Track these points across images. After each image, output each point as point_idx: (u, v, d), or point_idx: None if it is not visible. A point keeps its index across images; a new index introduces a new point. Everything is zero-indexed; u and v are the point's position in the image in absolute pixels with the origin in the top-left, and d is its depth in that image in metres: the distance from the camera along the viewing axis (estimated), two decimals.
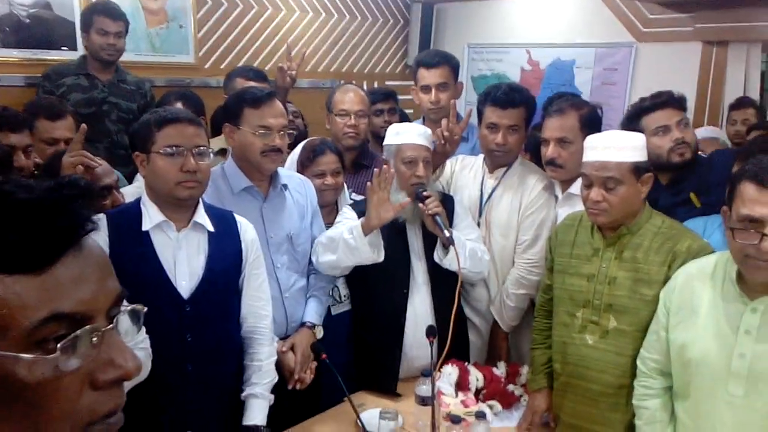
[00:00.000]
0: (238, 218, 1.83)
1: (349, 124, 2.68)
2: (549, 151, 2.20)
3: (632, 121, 2.23)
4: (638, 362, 1.76)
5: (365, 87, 4.95)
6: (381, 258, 2.13)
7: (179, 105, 2.87)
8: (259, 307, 1.84)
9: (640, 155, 1.78)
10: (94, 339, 0.62)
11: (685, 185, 2.21)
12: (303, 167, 2.39)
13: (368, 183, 2.08)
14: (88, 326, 0.62)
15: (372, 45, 4.96)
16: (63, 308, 0.61)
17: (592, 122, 2.14)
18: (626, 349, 1.79)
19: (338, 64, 4.74)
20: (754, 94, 3.57)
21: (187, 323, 1.67)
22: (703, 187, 2.17)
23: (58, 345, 0.60)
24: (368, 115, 2.80)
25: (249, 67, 2.95)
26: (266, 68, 4.13)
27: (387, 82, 5.10)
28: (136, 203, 1.70)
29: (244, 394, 1.81)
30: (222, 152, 2.56)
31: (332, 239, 2.12)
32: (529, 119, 2.38)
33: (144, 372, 1.55)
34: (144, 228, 1.64)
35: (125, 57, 3.49)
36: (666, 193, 2.24)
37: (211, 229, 1.73)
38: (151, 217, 1.66)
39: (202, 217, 1.73)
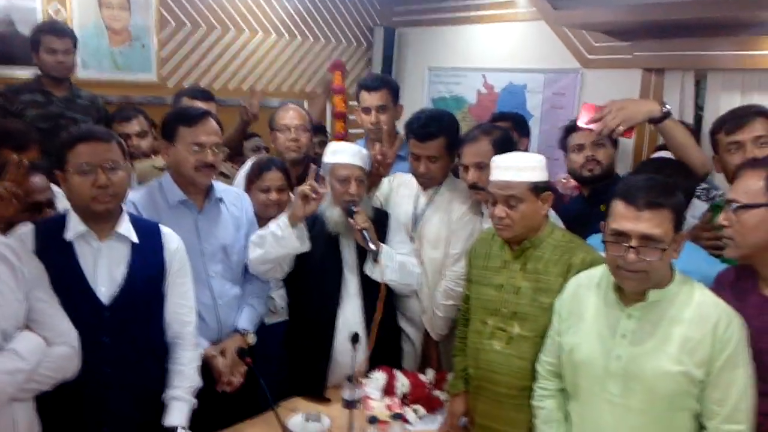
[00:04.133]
0: (164, 229, 1.93)
1: (290, 138, 2.82)
2: (469, 176, 2.33)
3: (564, 137, 2.59)
4: (537, 365, 1.89)
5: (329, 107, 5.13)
6: (307, 248, 2.25)
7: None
8: (182, 314, 1.93)
9: (539, 175, 1.93)
10: None
11: (600, 198, 2.38)
12: (250, 182, 2.52)
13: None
14: None
15: None
16: None
17: (504, 144, 2.27)
18: (528, 354, 1.92)
19: (301, 85, 4.89)
20: (689, 119, 3.75)
21: (105, 327, 1.77)
22: None
23: None
24: (309, 131, 2.92)
25: (196, 88, 3.07)
26: (229, 88, 4.31)
27: (351, 103, 5.26)
28: (63, 214, 1.80)
29: (165, 396, 1.88)
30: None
31: (261, 236, 2.24)
32: (451, 146, 2.45)
33: (72, 368, 1.65)
34: (67, 238, 1.75)
35: (88, 74, 3.62)
36: (585, 204, 2.54)
37: (135, 240, 1.83)
38: (74, 227, 1.76)
39: (125, 228, 1.83)
